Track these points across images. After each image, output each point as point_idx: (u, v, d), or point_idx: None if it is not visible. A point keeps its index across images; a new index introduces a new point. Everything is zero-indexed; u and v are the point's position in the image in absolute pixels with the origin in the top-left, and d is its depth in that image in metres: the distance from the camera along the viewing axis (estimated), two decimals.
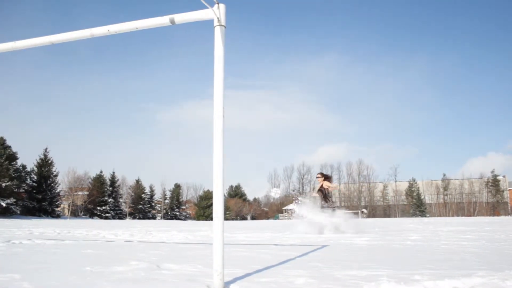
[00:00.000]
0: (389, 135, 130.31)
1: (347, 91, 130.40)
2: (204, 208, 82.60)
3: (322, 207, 11.40)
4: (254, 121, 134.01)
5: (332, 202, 11.62)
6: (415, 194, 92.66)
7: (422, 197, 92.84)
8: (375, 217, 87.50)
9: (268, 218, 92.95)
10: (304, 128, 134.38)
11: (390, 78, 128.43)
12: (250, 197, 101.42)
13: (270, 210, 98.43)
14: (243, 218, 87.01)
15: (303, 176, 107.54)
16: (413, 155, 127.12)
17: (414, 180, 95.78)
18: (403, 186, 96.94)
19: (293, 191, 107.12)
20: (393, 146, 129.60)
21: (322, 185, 11.69)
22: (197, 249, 6.23)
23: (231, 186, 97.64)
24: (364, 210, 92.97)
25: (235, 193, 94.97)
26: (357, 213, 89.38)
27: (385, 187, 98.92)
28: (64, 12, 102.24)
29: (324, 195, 11.71)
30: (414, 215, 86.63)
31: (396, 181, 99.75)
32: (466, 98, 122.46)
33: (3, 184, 51.77)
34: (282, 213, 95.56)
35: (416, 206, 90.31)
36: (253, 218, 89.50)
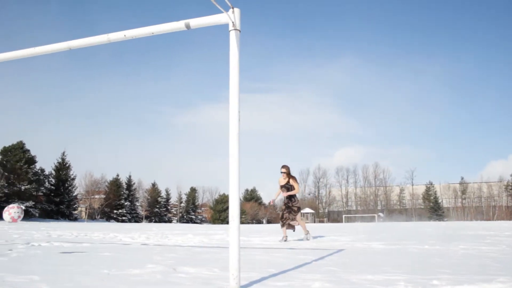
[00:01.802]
0: (405, 138, 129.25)
1: (363, 93, 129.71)
2: (220, 212, 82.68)
3: (286, 206, 9.84)
4: (270, 124, 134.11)
5: (298, 201, 9.94)
6: (432, 197, 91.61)
7: (440, 200, 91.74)
8: (392, 221, 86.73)
9: None
10: (320, 131, 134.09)
11: (406, 80, 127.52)
12: (265, 200, 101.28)
13: None
14: (259, 221, 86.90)
15: (319, 179, 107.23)
16: (430, 158, 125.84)
17: (431, 184, 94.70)
18: (420, 189, 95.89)
19: (309, 194, 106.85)
20: (409, 149, 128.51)
21: (288, 181, 9.81)
22: (213, 252, 6.23)
23: (247, 190, 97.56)
24: (381, 214, 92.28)
25: (251, 197, 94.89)
26: (373, 217, 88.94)
27: (401, 190, 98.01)
28: (82, 17, 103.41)
29: (289, 193, 9.85)
30: (431, 219, 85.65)
31: (413, 185, 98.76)
32: (485, 100, 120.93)
33: (23, 187, 52.54)
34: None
35: (433, 210, 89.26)
36: (268, 221, 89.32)
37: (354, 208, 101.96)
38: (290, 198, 9.83)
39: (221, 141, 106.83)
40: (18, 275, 3.42)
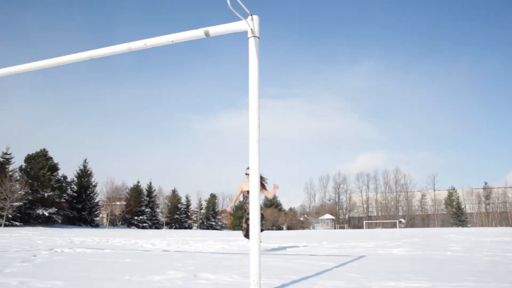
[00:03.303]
0: (426, 142, 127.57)
1: (383, 98, 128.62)
2: (240, 218, 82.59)
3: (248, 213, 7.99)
4: (289, 130, 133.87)
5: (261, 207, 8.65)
6: (455, 203, 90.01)
7: (462, 206, 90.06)
8: (413, 227, 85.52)
9: (304, 228, 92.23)
10: (340, 136, 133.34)
11: (427, 84, 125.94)
12: (285, 206, 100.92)
13: (306, 220, 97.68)
14: (279, 228, 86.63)
15: (339, 185, 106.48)
16: (452, 163, 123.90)
17: (454, 189, 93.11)
18: (442, 195, 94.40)
19: (329, 200, 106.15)
20: (431, 153, 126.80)
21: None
22: (233, 259, 6.23)
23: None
24: (402, 220, 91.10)
25: (271, 203, 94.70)
26: (394, 223, 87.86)
27: (423, 196, 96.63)
28: (103, 27, 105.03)
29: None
30: (454, 224, 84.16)
31: (434, 190, 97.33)
32: (508, 104, 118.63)
33: (46, 194, 53.42)
34: (318, 223, 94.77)
35: (456, 215, 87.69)
36: (289, 228, 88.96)
37: (375, 214, 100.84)
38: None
39: (241, 147, 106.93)
40: (42, 280, 3.48)
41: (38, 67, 4.13)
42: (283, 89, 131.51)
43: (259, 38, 3.03)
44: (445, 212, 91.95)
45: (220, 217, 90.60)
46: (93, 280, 3.68)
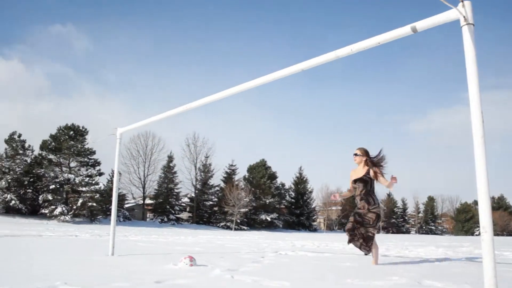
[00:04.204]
0: None
1: None
2: (463, 222, 76.37)
3: (356, 213, 5.83)
4: None
5: (377, 204, 5.80)
6: None
7: None
8: None
9: None
10: None
11: None
12: None
13: None
14: (510, 233, 77.12)
15: None
16: None
17: None
18: None
19: None
20: None
21: (368, 172, 5.77)
22: (460, 266, 5.78)
23: (493, 198, 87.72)
24: None
25: (498, 205, 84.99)
26: None
27: None
28: (308, 35, 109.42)
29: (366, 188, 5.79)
30: None
31: None
32: None
33: (267, 201, 58.19)
34: None
35: None
36: None
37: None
38: (367, 198, 5.70)
39: (459, 146, 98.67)
40: (272, 280, 3.75)
41: (255, 85, 4.54)
42: (507, 79, 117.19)
43: (473, 25, 2.78)
44: None
45: (440, 221, 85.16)
46: (316, 282, 3.82)
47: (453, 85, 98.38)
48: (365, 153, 5.83)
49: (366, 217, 5.62)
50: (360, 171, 5.79)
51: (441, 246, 12.90)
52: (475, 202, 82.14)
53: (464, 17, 2.79)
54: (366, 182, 5.68)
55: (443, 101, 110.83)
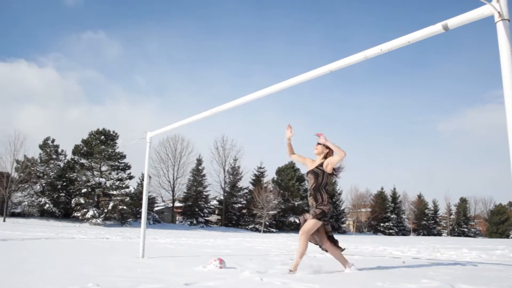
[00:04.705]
0: None
1: None
2: (497, 224, 74.33)
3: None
4: None
5: (327, 201, 5.04)
6: None
7: None
8: None
9: None
10: None
11: None
12: None
13: None
14: None
15: None
16: None
17: None
18: None
19: None
20: None
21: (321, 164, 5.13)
22: (494, 269, 5.65)
23: None
24: None
25: None
26: None
27: None
28: (340, 37, 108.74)
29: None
30: None
31: None
32: None
33: (296, 203, 58.03)
34: None
35: None
36: None
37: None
38: (315, 194, 5.03)
39: (494, 146, 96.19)
40: (301, 282, 3.76)
41: (287, 86, 4.56)
42: None
43: (509, 21, 2.72)
44: None
45: (473, 223, 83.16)
46: (344, 285, 3.80)
47: (486, 83, 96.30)
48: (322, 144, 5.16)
49: (311, 212, 5.02)
50: (315, 163, 5.19)
51: (475, 249, 12.61)
52: (510, 204, 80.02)
53: (498, 12, 2.74)
54: (317, 175, 5.03)
55: (476, 100, 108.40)
